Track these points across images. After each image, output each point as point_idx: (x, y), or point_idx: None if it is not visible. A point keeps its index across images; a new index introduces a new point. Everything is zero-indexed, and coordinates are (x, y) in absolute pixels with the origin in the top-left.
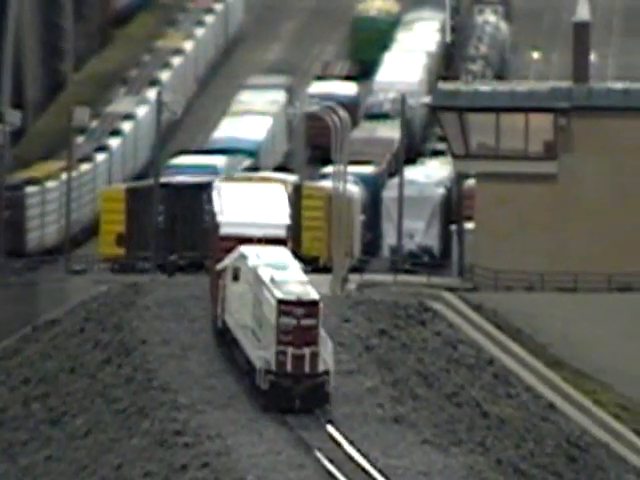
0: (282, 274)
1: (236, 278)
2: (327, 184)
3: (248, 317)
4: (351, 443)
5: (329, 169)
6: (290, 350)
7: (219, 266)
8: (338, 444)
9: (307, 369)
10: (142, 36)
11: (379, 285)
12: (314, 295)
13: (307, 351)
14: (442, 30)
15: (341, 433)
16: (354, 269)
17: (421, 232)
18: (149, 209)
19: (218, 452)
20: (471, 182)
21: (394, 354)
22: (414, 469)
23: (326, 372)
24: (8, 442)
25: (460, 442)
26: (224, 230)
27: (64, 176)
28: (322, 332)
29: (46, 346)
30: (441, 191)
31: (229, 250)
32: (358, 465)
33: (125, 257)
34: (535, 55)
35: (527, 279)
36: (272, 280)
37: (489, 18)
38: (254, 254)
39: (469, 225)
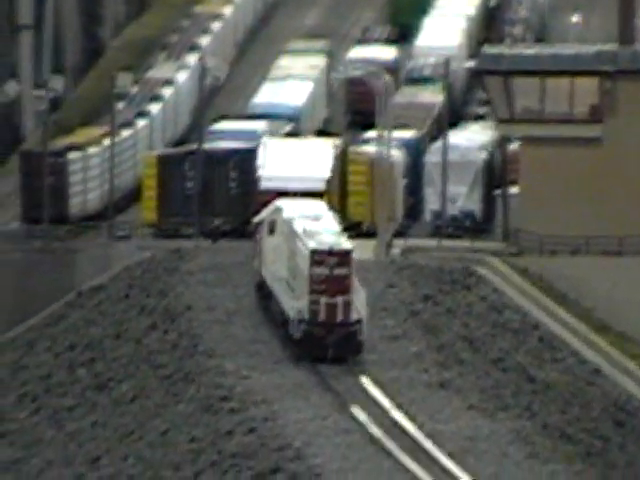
0: (316, 225)
1: (272, 231)
2: (369, 149)
3: (283, 269)
4: (398, 408)
5: (370, 134)
6: (323, 299)
7: (255, 220)
8: (384, 409)
9: (340, 318)
10: (181, 1)
11: (423, 250)
12: (346, 245)
13: (340, 300)
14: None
15: (388, 398)
16: (397, 234)
17: (463, 197)
18: (180, 176)
19: (264, 418)
20: (515, 146)
21: (439, 319)
22: (461, 434)
23: (359, 321)
24: (54, 408)
25: (506, 407)
26: (264, 184)
27: (106, 142)
28: (355, 281)
29: (91, 312)
30: (483, 155)
31: (269, 204)
32: (404, 430)
33: (159, 224)
34: (575, 18)
35: (572, 243)
36: (305, 231)
37: None
38: (289, 207)
39: (513, 189)
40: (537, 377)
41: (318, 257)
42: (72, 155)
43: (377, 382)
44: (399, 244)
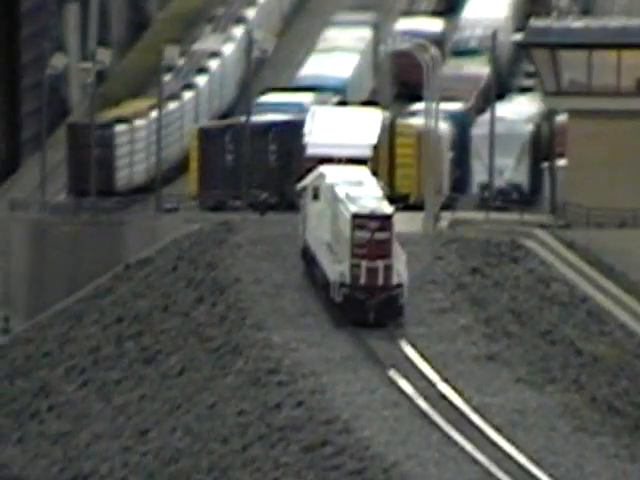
0: (358, 190)
1: (316, 197)
2: (417, 121)
3: (326, 233)
4: (445, 381)
5: (417, 106)
6: (364, 263)
7: (299, 186)
8: (432, 382)
9: (380, 282)
10: None
11: (470, 223)
12: (387, 209)
13: (381, 264)
14: None
15: (435, 371)
16: (444, 207)
17: (510, 169)
18: (220, 149)
19: (312, 390)
20: (562, 119)
21: (487, 292)
22: (509, 407)
23: (399, 285)
24: (102, 381)
25: (554, 380)
26: (310, 150)
27: (152, 114)
28: (396, 246)
29: (139, 285)
30: (530, 128)
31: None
32: (452, 403)
33: (200, 196)
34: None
35: (619, 216)
36: (347, 196)
37: None
38: (333, 173)
39: (560, 162)
40: (585, 350)
41: (359, 221)
42: (119, 128)
43: (425, 355)
44: (446, 217)
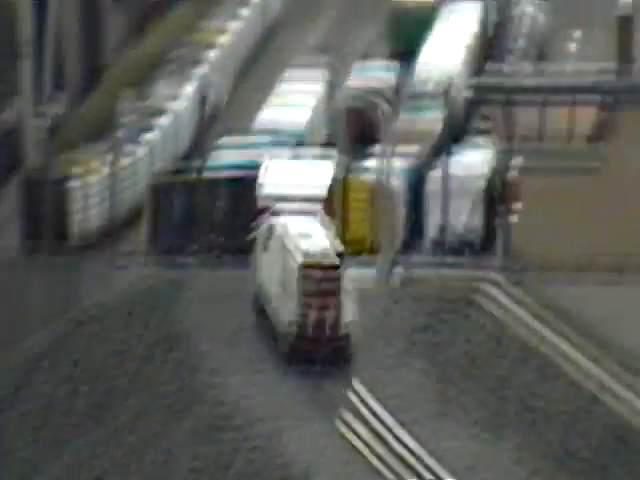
0: (306, 241)
1: (266, 248)
2: (369, 177)
3: (276, 284)
4: (401, 425)
5: (370, 162)
6: (311, 314)
7: (249, 237)
8: (387, 426)
9: (328, 332)
10: (181, 22)
11: (423, 278)
12: (335, 260)
13: (328, 314)
14: (482, 22)
15: (391, 415)
16: (396, 262)
17: (463, 225)
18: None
19: (268, 435)
20: (515, 170)
21: (442, 336)
22: (464, 452)
23: (347, 335)
24: (57, 426)
25: (510, 424)
26: (265, 190)
27: (108, 164)
28: (345, 296)
29: (93, 335)
30: (483, 182)
31: (269, 211)
32: (407, 447)
33: (152, 251)
34: (572, 47)
35: (573, 265)
36: (296, 247)
37: (527, 10)
38: (282, 224)
39: (513, 217)
40: (536, 405)
41: (307, 272)
42: (73, 181)
43: (381, 399)
44: (399, 273)
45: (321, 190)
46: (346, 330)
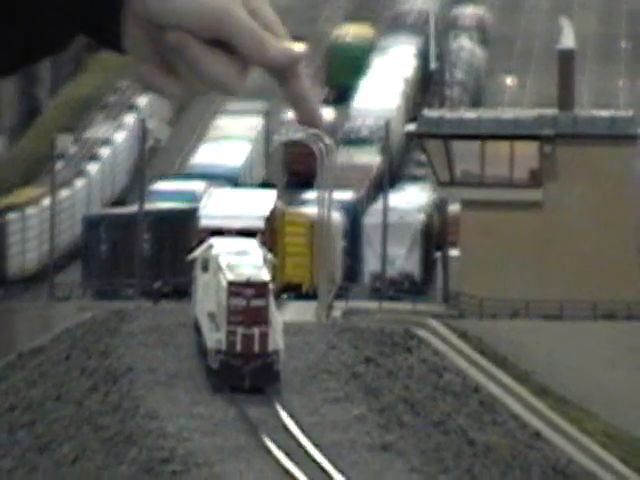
0: (239, 259)
1: (205, 268)
2: (309, 210)
3: (212, 303)
4: (339, 471)
5: (309, 195)
6: (240, 330)
7: (189, 258)
8: (326, 472)
9: (256, 348)
10: (117, 62)
11: (364, 312)
12: (265, 277)
13: (257, 331)
14: (421, 56)
15: (329, 460)
16: (337, 296)
17: (402, 258)
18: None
19: None
20: (454, 208)
21: (380, 381)
22: None
23: (276, 351)
24: None
25: (447, 470)
26: (203, 222)
27: (44, 202)
28: (274, 313)
29: (32, 373)
30: (422, 217)
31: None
32: None
33: (83, 286)
34: (509, 81)
35: (512, 306)
36: (228, 265)
37: (464, 43)
38: (220, 244)
39: (453, 252)
40: (477, 440)
41: (235, 288)
42: (11, 215)
43: (319, 444)
44: (340, 306)
45: (259, 222)
46: (275, 346)
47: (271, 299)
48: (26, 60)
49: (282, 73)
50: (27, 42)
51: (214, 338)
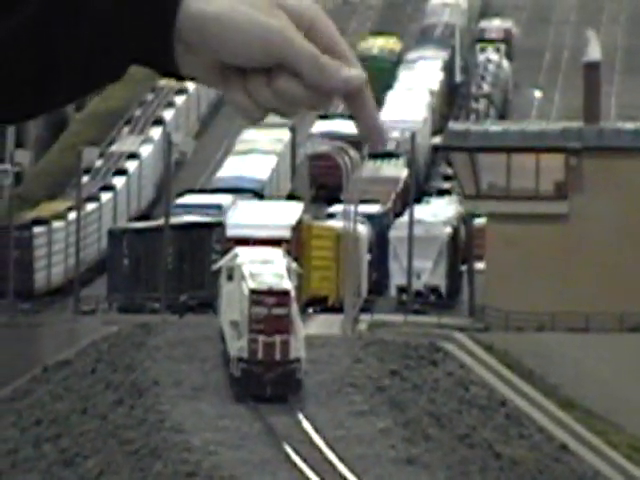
0: (262, 268)
1: (230, 277)
2: (335, 223)
3: (235, 312)
4: None
5: (335, 208)
6: (261, 338)
7: (214, 267)
8: None
9: (278, 356)
10: (145, 75)
11: (390, 325)
12: (286, 285)
13: (278, 339)
14: (447, 68)
15: (355, 474)
16: (363, 309)
17: (428, 272)
18: (120, 252)
19: None
20: (480, 221)
21: (406, 395)
22: None
23: (297, 359)
24: (24, 471)
25: (475, 476)
26: (230, 232)
27: (71, 216)
28: (297, 321)
29: (57, 387)
30: (448, 230)
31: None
32: None
33: (108, 300)
34: (537, 94)
35: (538, 319)
36: (250, 273)
37: (491, 56)
38: (245, 253)
39: (479, 265)
40: (504, 453)
41: (257, 297)
42: (37, 229)
43: (344, 458)
44: (365, 319)
45: (284, 231)
46: (296, 354)
47: (293, 307)
48: (80, 92)
49: (347, 95)
50: (81, 74)
51: (236, 346)
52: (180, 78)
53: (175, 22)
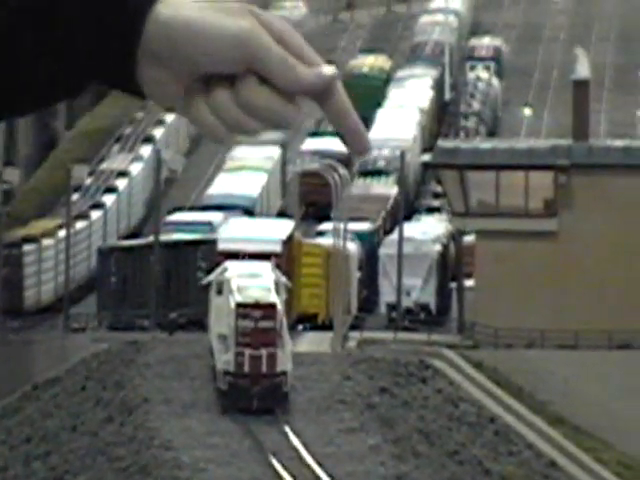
0: (249, 281)
1: (219, 292)
2: (325, 241)
3: (223, 326)
4: None
5: (325, 226)
6: (248, 351)
7: (204, 281)
8: None
9: (264, 369)
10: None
11: (379, 342)
12: (273, 298)
13: (264, 352)
14: (437, 86)
15: None
16: (352, 326)
17: (418, 289)
18: (107, 270)
19: None
20: (469, 239)
21: (395, 412)
22: None
23: (283, 372)
24: None
25: None
26: (221, 245)
27: (60, 233)
28: (284, 334)
29: (47, 404)
30: (438, 248)
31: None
32: None
33: (97, 317)
34: (527, 111)
35: (527, 336)
36: (238, 287)
37: (481, 74)
38: (235, 267)
39: (469, 282)
40: (493, 470)
41: (243, 310)
42: (27, 247)
43: (333, 475)
44: (355, 337)
45: (275, 246)
46: (283, 367)
47: (281, 321)
48: (40, 105)
49: (319, 95)
50: (41, 88)
51: (223, 359)
52: (141, 96)
53: (142, 30)
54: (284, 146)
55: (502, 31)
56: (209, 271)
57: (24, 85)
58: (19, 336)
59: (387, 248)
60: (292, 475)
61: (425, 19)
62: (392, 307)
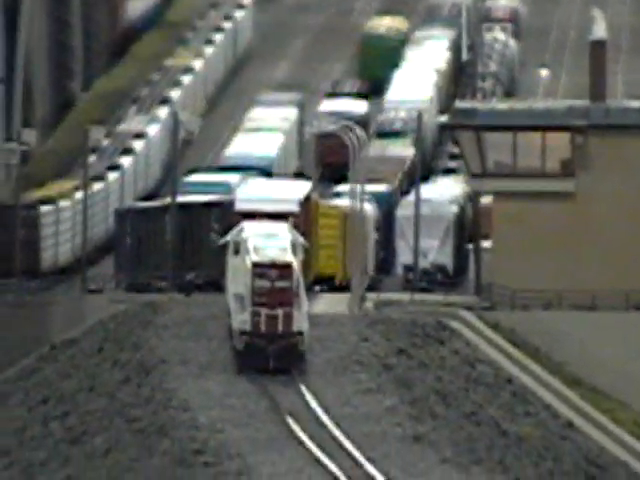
0: (266, 242)
1: (237, 252)
2: (342, 202)
3: (241, 285)
4: (371, 461)
5: (342, 187)
6: (264, 311)
7: (221, 242)
8: (358, 463)
9: (280, 329)
10: (151, 55)
11: (396, 304)
12: (289, 258)
13: (280, 312)
14: (454, 48)
15: (361, 451)
16: (369, 288)
17: (435, 250)
18: (124, 231)
19: (238, 471)
20: (486, 200)
21: (412, 373)
22: None
23: (300, 332)
24: (27, 462)
25: (479, 461)
26: (238, 205)
27: (77, 195)
28: (301, 294)
29: (64, 366)
30: (455, 209)
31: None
32: None
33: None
34: (543, 73)
35: (544, 297)
36: (254, 247)
37: (498, 36)
38: (251, 227)
39: (486, 243)
40: (510, 431)
41: (259, 270)
42: (44, 208)
43: (351, 435)
44: (372, 298)
45: (292, 205)
46: (299, 327)
47: (297, 280)
48: None
49: None
50: None
51: (239, 319)
52: None
53: None
54: (301, 107)
55: None
56: (223, 233)
57: None
58: (36, 297)
59: (404, 209)
60: (309, 436)
61: None
62: (409, 268)
